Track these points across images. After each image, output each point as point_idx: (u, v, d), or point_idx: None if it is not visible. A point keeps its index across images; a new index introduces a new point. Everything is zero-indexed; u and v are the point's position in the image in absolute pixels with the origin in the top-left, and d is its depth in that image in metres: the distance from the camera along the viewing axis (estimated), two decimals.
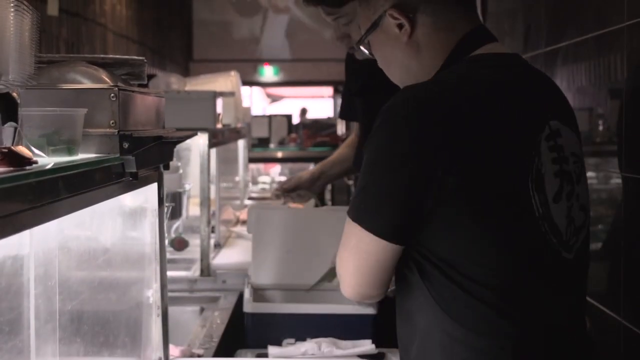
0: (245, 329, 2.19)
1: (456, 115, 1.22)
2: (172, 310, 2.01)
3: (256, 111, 8.86)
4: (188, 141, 1.57)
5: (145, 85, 1.47)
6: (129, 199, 1.48)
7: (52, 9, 3.42)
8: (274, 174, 6.57)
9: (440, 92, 1.26)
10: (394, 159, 1.23)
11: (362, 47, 1.43)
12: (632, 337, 1.61)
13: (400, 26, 1.36)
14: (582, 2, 1.94)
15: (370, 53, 1.43)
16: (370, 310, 2.13)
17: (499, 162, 1.22)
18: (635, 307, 1.62)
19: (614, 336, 1.68)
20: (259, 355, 2.03)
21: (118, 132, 1.19)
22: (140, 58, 1.42)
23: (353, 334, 2.03)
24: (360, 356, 1.95)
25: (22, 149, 0.89)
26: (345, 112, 2.84)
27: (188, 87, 3.52)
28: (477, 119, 1.23)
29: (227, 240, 3.36)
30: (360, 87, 2.58)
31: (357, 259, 1.26)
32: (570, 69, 2.03)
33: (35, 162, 0.90)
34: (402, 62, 1.40)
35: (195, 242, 2.86)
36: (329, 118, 8.07)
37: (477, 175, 1.21)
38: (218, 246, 3.14)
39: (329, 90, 10.69)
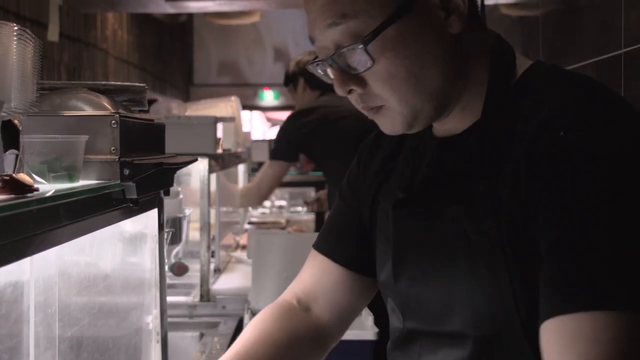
0: None
1: None
2: (172, 336, 2.00)
3: (256, 135, 8.88)
4: (188, 166, 1.58)
5: (146, 111, 1.48)
6: (129, 225, 1.48)
7: (53, 34, 3.44)
8: (274, 198, 6.57)
9: None
10: None
11: (364, 51, 1.02)
12: None
13: (447, 9, 1.04)
14: (580, 29, 1.95)
15: (373, 59, 1.03)
16: (370, 336, 2.12)
17: None
18: None
19: None
20: None
21: (119, 158, 1.19)
22: (141, 85, 1.43)
23: (353, 359, 2.03)
24: None
25: (23, 177, 0.90)
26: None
27: (188, 113, 3.54)
28: None
29: (227, 265, 3.35)
30: None
31: None
32: None
33: (36, 190, 0.90)
34: (442, 61, 1.04)
35: (195, 267, 2.85)
36: None
37: None
38: (218, 271, 3.14)
39: None
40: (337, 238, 1.32)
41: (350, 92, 1.07)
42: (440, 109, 1.08)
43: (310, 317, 1.32)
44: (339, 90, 1.07)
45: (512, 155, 1.00)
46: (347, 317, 1.34)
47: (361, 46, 1.01)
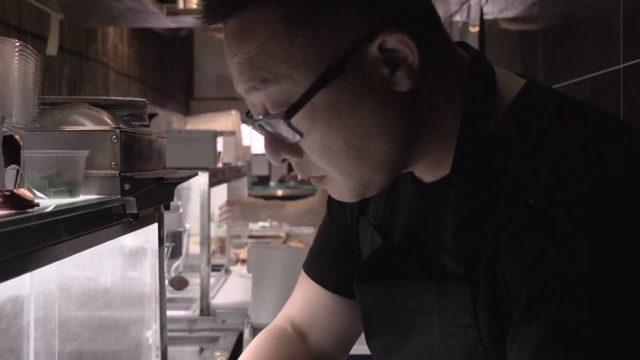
0: None
1: None
2: (172, 350, 2.00)
3: (256, 149, 8.90)
4: (189, 180, 1.58)
5: (147, 125, 1.48)
6: (130, 240, 1.48)
7: (52, 49, 3.45)
8: None
9: None
10: None
11: (287, 125, 0.85)
12: None
13: (392, 63, 0.84)
14: (579, 44, 1.96)
15: (300, 133, 0.85)
16: (369, 351, 2.11)
17: None
18: None
19: None
20: None
21: (119, 173, 1.20)
22: (142, 100, 1.43)
23: None
24: None
25: (24, 192, 0.90)
26: None
27: (189, 126, 3.55)
28: None
29: (226, 279, 3.35)
30: None
31: None
32: None
33: (37, 205, 0.90)
34: (390, 127, 0.85)
35: (195, 281, 2.85)
36: None
37: None
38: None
39: None
40: (328, 263, 1.20)
41: (284, 161, 0.91)
42: (397, 173, 0.91)
43: (307, 346, 1.24)
44: (271, 160, 0.91)
45: (491, 223, 0.83)
46: (347, 342, 1.28)
47: (282, 122, 0.84)
